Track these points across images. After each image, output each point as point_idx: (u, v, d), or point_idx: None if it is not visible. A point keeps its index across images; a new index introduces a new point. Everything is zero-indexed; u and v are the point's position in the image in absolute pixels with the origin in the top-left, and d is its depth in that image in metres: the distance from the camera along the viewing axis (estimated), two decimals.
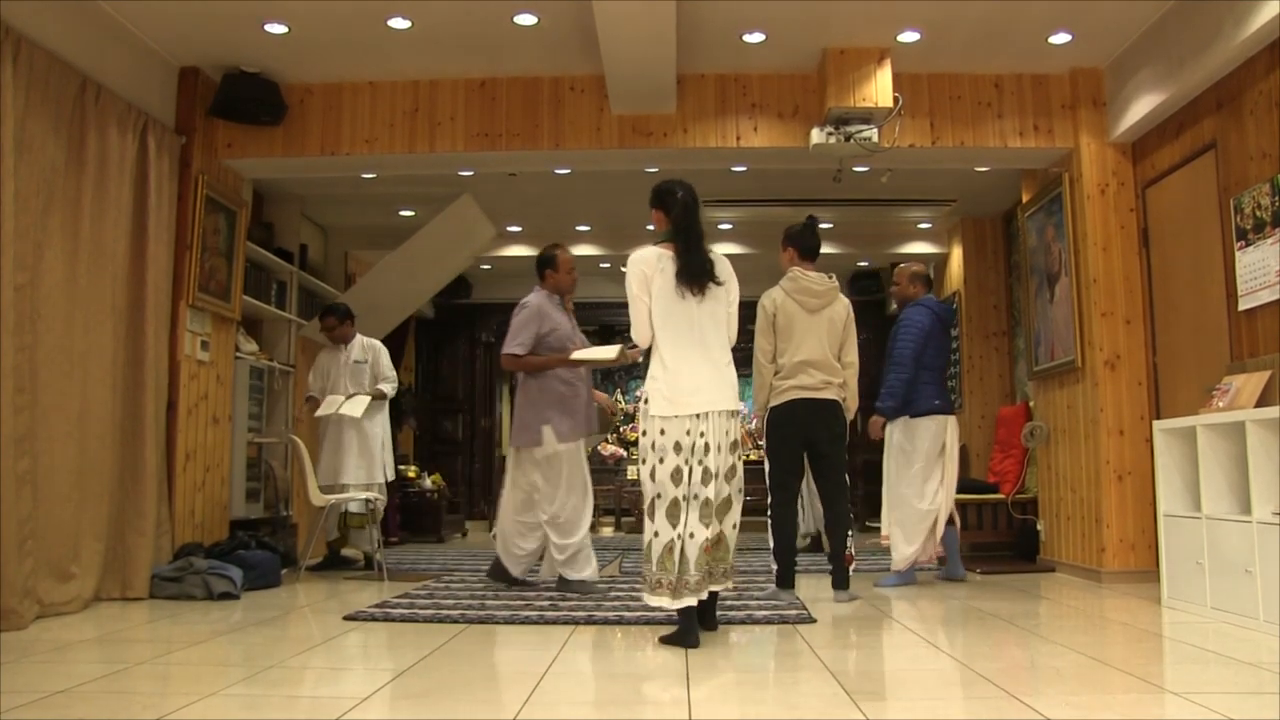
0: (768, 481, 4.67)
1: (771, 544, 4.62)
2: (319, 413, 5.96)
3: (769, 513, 4.64)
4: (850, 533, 4.67)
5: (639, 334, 3.57)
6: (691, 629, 3.41)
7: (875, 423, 5.14)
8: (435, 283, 7.81)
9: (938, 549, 5.17)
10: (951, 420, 5.14)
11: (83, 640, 3.61)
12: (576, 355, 4.68)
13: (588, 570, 4.72)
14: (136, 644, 3.57)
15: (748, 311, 4.02)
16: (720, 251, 3.69)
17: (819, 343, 4.61)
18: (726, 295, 3.62)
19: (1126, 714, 2.49)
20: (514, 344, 4.71)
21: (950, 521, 5.19)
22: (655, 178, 7.04)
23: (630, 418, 11.81)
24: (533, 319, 4.74)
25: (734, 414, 3.55)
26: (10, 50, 3.93)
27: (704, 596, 3.43)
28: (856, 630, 3.87)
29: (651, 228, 3.73)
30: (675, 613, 3.43)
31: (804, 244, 4.74)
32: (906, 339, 5.10)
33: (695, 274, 3.51)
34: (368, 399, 5.91)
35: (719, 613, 3.74)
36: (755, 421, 5.40)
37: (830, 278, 4.73)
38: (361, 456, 5.96)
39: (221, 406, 5.61)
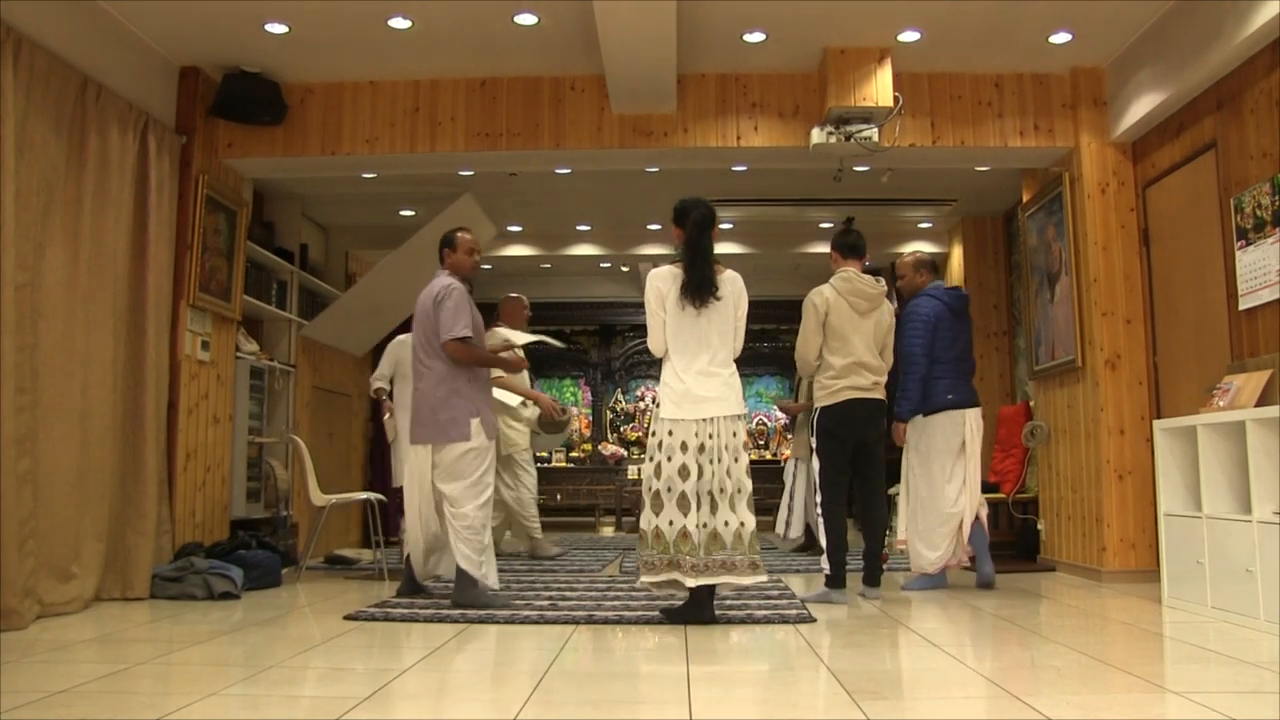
0: (818, 480, 4.64)
1: (824, 543, 4.54)
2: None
3: (819, 511, 4.60)
4: (886, 532, 4.72)
5: (654, 345, 3.94)
6: (703, 605, 3.79)
7: (898, 429, 4.89)
8: None
9: (967, 550, 4.91)
10: (971, 414, 4.84)
11: (83, 640, 3.61)
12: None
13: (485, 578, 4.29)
14: (137, 644, 3.57)
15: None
16: (730, 272, 3.98)
17: (868, 345, 4.62)
18: (734, 310, 3.94)
19: (1127, 714, 2.49)
20: (460, 328, 4.24)
21: (975, 519, 4.88)
22: (656, 177, 7.12)
23: (630, 417, 11.81)
24: (465, 302, 4.36)
25: (738, 417, 3.89)
26: (11, 50, 3.93)
27: (711, 581, 3.74)
28: (857, 630, 3.87)
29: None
30: (689, 591, 3.79)
31: (840, 242, 4.80)
32: (913, 334, 4.83)
33: (697, 289, 3.86)
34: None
35: (720, 611, 3.96)
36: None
37: (879, 281, 4.72)
38: None
39: (222, 406, 5.61)
